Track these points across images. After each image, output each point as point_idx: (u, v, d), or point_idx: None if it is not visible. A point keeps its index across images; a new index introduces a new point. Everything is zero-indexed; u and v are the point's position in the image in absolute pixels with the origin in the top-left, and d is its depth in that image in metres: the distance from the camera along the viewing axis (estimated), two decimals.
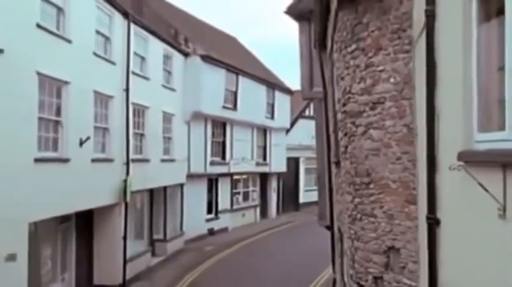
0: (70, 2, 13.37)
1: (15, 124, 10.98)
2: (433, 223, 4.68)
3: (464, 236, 4.09)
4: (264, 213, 34.14)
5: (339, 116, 7.34)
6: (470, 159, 3.85)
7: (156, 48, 20.36)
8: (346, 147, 6.68)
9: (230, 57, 28.69)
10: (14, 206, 10.79)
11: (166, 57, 21.68)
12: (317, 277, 17.85)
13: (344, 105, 6.69)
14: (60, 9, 13.13)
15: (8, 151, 10.64)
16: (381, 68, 6.15)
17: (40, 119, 12.24)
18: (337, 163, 8.72)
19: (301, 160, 37.91)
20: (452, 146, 4.13)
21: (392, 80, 6.01)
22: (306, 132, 34.34)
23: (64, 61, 13.15)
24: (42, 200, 11.92)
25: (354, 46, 6.50)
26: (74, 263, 15.47)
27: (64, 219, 14.44)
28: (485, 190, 3.49)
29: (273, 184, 35.40)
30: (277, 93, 33.44)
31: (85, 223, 16.08)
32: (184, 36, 23.99)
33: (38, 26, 11.94)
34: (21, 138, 11.24)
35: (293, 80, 67.45)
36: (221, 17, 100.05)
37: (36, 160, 11.87)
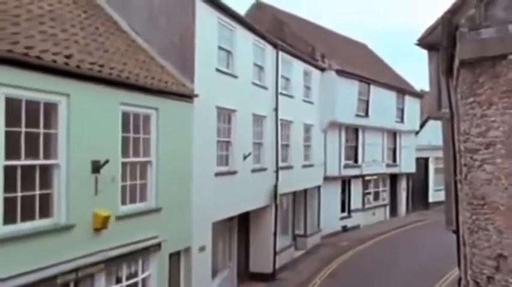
0: (236, 45, 16.32)
1: (204, 147, 14.13)
2: None
3: None
4: (393, 212, 35.14)
5: (461, 147, 9.31)
6: None
7: (297, 68, 22.78)
8: (466, 175, 8.65)
9: (362, 66, 30.19)
10: (204, 209, 13.91)
11: (306, 74, 23.98)
12: (446, 274, 18.91)
13: (464, 142, 8.66)
14: (229, 52, 16.12)
15: (199, 167, 13.74)
16: (492, 119, 7.97)
17: (218, 141, 15.34)
18: (460, 180, 10.61)
19: (430, 159, 38.07)
20: None
21: (501, 129, 7.88)
22: (435, 133, 34.01)
23: (232, 93, 16.06)
24: (220, 204, 14.93)
25: (471, 99, 8.39)
26: (236, 254, 18.61)
27: (230, 218, 17.45)
28: None
29: (403, 183, 36.22)
30: (406, 98, 34.17)
31: (243, 221, 19.14)
32: (320, 52, 26.22)
33: (217, 69, 15.04)
34: (207, 157, 14.40)
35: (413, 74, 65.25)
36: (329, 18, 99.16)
37: (216, 174, 14.97)
